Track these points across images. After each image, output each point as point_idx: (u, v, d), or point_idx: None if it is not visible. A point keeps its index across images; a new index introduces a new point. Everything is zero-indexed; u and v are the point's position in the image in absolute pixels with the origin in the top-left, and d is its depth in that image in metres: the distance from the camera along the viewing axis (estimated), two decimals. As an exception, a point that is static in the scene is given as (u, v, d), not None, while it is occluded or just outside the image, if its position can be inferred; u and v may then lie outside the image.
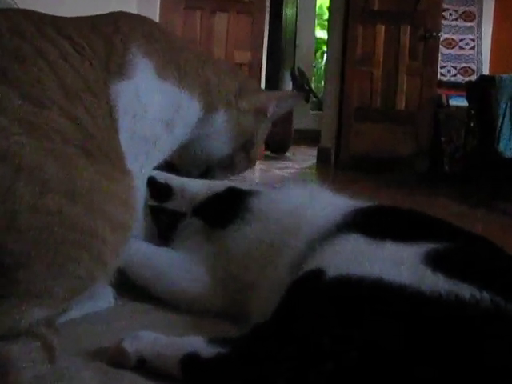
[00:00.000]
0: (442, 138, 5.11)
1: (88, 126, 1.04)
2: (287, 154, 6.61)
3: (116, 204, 1.00)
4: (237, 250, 1.21)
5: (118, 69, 1.21)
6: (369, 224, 1.05)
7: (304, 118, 8.13)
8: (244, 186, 1.32)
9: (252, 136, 1.48)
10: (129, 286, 1.27)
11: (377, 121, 5.54)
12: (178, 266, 1.24)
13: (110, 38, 1.23)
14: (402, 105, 5.57)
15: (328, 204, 1.19)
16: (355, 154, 5.54)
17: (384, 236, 0.96)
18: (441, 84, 5.67)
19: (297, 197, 1.24)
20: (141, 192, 1.26)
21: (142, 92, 1.22)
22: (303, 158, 6.51)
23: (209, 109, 1.37)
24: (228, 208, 1.26)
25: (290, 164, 5.88)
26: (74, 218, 0.93)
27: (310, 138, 7.30)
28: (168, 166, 1.39)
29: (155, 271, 1.26)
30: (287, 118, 5.97)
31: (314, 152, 6.23)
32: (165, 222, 1.36)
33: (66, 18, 1.25)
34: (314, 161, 6.05)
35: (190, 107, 1.33)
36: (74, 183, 0.94)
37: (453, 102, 5.37)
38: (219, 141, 1.43)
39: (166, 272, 1.25)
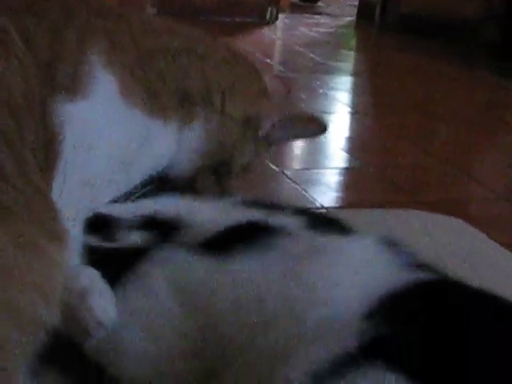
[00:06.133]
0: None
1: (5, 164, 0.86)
2: (319, 3, 6.03)
3: (27, 291, 0.82)
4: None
5: (68, 82, 0.98)
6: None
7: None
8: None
9: (231, 157, 1.18)
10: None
11: (438, -31, 4.96)
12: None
13: (61, 28, 0.99)
14: None
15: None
16: (406, 13, 4.92)
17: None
18: None
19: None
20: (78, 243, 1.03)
21: (100, 119, 1.01)
22: (340, 11, 5.86)
23: (184, 123, 1.12)
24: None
25: (322, 20, 5.31)
26: None
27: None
28: None
29: None
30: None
31: (354, 2, 5.62)
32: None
33: None
34: (354, 17, 5.39)
35: (161, 139, 1.09)
36: None
37: None
38: (184, 157, 1.14)
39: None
